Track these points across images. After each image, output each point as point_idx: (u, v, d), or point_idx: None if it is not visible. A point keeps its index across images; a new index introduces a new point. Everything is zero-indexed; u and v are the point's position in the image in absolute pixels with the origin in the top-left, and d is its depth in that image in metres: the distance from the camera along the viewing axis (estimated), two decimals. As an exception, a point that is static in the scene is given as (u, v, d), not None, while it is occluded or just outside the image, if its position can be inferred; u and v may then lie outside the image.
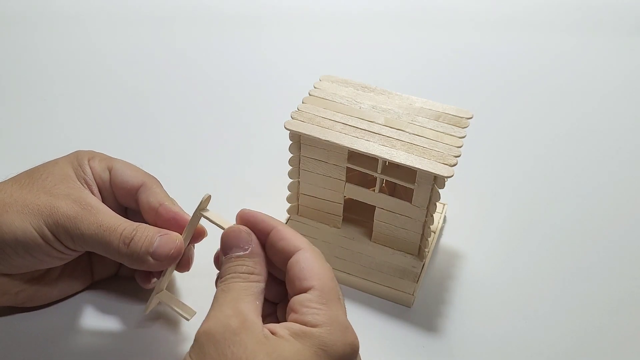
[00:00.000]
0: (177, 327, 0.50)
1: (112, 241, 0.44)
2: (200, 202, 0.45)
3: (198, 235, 0.48)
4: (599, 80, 0.87)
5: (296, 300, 0.40)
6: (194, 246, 0.50)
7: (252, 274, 0.41)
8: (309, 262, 0.41)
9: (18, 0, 0.94)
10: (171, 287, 0.53)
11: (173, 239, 0.45)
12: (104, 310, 0.51)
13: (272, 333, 0.38)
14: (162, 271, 0.48)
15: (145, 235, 0.44)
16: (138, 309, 0.51)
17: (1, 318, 0.49)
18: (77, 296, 0.52)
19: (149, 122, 0.74)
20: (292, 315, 0.39)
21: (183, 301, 0.48)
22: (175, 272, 0.51)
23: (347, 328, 0.39)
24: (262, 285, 0.41)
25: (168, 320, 0.51)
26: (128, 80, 0.80)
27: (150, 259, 0.44)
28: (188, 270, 0.49)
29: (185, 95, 0.79)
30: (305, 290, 0.40)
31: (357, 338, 0.40)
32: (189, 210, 0.48)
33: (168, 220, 0.47)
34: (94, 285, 0.53)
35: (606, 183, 0.69)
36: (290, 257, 0.41)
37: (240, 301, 0.39)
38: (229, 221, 0.45)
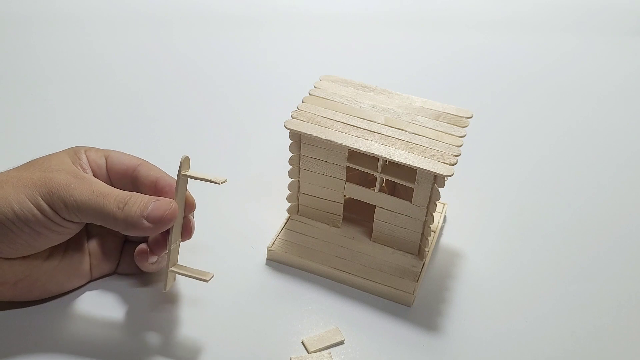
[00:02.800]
0: (177, 323, 0.50)
1: (106, 206, 0.45)
2: (180, 165, 0.46)
3: (188, 207, 0.49)
4: (599, 80, 0.87)
5: None
6: (193, 215, 0.50)
7: None
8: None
9: (18, 0, 0.94)
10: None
11: (167, 202, 0.46)
12: (103, 305, 0.51)
13: None
14: (161, 248, 0.48)
15: (140, 200, 0.45)
16: (137, 305, 0.52)
17: (0, 312, 0.50)
18: (76, 292, 0.52)
19: (149, 122, 0.74)
20: None
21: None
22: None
23: None
24: None
25: (168, 316, 0.51)
26: (128, 81, 0.81)
27: (145, 222, 0.45)
28: (190, 238, 0.50)
29: (185, 96, 0.79)
30: None
31: None
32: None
33: (166, 191, 0.48)
34: (93, 282, 0.53)
35: (607, 183, 0.69)
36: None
37: None
38: (214, 174, 0.46)
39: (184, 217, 0.49)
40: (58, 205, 0.45)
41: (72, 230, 0.47)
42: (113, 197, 0.45)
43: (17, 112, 0.73)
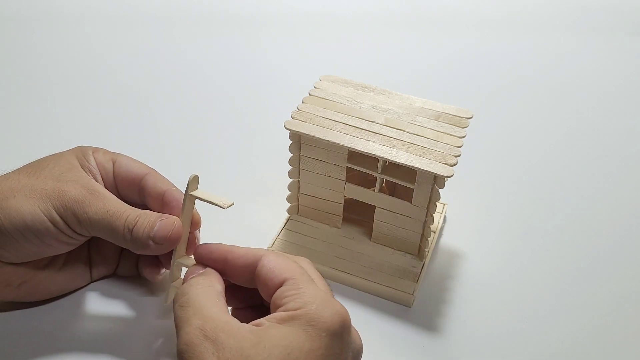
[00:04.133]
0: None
1: (118, 227, 0.45)
2: (188, 184, 0.46)
3: (194, 225, 0.49)
4: (599, 80, 0.87)
5: (275, 297, 0.40)
6: (199, 230, 0.50)
7: (205, 281, 0.42)
8: (273, 262, 0.42)
9: (18, 0, 0.94)
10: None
11: (171, 222, 0.46)
12: (104, 306, 0.51)
13: (257, 326, 0.38)
14: (169, 261, 0.48)
15: (147, 220, 0.46)
16: (137, 305, 0.52)
17: (2, 314, 0.49)
18: (76, 293, 0.52)
19: (149, 122, 0.74)
20: (274, 311, 0.40)
21: None
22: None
23: (330, 300, 0.40)
24: (219, 287, 0.42)
25: (168, 316, 0.51)
26: (128, 80, 0.80)
27: (152, 242, 0.45)
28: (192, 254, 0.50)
29: (185, 96, 0.79)
30: (279, 286, 0.40)
31: (343, 307, 0.40)
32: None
33: (172, 205, 0.48)
34: (93, 283, 0.53)
35: (606, 183, 0.69)
36: (255, 268, 0.42)
37: (204, 307, 0.39)
38: (220, 197, 0.46)
39: (190, 233, 0.49)
40: (71, 220, 0.45)
41: (80, 241, 0.47)
42: (124, 217, 0.45)
43: (17, 112, 0.73)
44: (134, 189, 0.50)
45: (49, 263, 0.49)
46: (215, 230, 0.58)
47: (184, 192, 0.47)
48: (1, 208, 0.44)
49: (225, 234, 0.58)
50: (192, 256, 0.47)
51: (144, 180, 0.49)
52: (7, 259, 0.45)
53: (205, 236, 0.52)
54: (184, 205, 0.47)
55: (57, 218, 0.44)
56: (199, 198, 0.46)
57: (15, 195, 0.44)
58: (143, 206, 0.50)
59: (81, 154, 0.49)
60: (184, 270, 0.49)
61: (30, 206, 0.44)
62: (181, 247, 0.48)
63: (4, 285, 0.47)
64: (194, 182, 0.46)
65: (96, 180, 0.49)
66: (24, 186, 0.45)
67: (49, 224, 0.44)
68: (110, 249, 0.52)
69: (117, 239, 0.46)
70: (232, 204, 0.46)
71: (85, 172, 0.48)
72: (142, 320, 0.51)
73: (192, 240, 0.49)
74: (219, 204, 0.45)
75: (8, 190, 0.45)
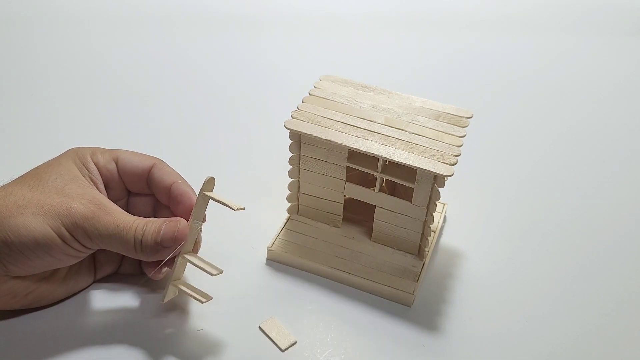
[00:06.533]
0: (180, 321, 0.50)
1: (128, 240, 0.45)
2: (203, 184, 0.47)
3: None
4: (598, 80, 0.87)
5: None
6: (200, 228, 0.51)
7: None
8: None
9: (18, 0, 0.94)
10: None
11: (175, 223, 0.46)
12: (109, 306, 0.51)
13: None
14: (173, 260, 0.48)
15: (153, 228, 0.46)
16: (141, 303, 0.52)
17: (11, 319, 0.49)
18: (81, 294, 0.52)
19: (149, 122, 0.74)
20: None
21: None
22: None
23: None
24: None
25: (168, 315, 0.51)
26: (128, 80, 0.81)
27: (161, 247, 0.46)
28: (196, 252, 0.50)
29: (185, 96, 0.79)
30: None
31: None
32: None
33: (179, 200, 0.49)
34: (97, 282, 0.53)
35: (606, 183, 0.69)
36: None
37: None
38: (234, 201, 0.46)
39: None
40: (82, 237, 0.45)
41: (88, 253, 0.47)
42: (133, 229, 0.45)
43: (17, 112, 0.73)
44: (142, 183, 0.50)
45: (54, 272, 0.49)
46: (215, 229, 0.59)
47: (190, 184, 0.48)
48: (9, 226, 0.43)
49: (226, 233, 0.59)
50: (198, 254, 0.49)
51: (150, 174, 0.50)
52: (15, 272, 0.45)
53: (205, 235, 0.52)
54: (197, 203, 0.47)
55: (67, 235, 0.44)
56: (212, 199, 0.47)
57: (23, 213, 0.44)
58: (154, 197, 0.51)
59: (79, 160, 0.49)
60: (189, 267, 0.49)
61: (39, 224, 0.44)
62: (188, 245, 0.48)
63: (11, 296, 0.47)
64: (209, 183, 0.47)
65: (98, 188, 0.48)
66: (29, 202, 0.44)
67: (59, 240, 0.44)
68: None
69: (129, 251, 0.46)
70: (243, 208, 0.47)
71: (87, 179, 0.48)
72: (142, 314, 0.51)
73: (198, 238, 0.50)
74: (230, 205, 0.46)
75: (15, 207, 0.44)
